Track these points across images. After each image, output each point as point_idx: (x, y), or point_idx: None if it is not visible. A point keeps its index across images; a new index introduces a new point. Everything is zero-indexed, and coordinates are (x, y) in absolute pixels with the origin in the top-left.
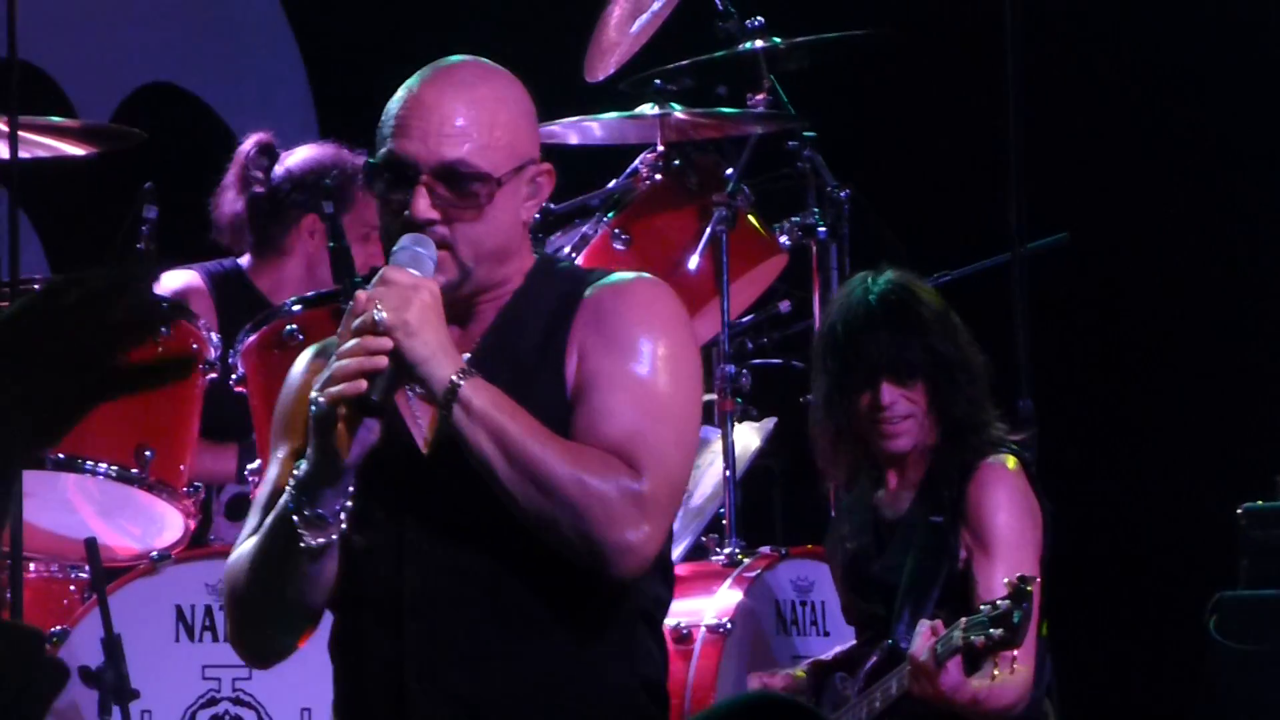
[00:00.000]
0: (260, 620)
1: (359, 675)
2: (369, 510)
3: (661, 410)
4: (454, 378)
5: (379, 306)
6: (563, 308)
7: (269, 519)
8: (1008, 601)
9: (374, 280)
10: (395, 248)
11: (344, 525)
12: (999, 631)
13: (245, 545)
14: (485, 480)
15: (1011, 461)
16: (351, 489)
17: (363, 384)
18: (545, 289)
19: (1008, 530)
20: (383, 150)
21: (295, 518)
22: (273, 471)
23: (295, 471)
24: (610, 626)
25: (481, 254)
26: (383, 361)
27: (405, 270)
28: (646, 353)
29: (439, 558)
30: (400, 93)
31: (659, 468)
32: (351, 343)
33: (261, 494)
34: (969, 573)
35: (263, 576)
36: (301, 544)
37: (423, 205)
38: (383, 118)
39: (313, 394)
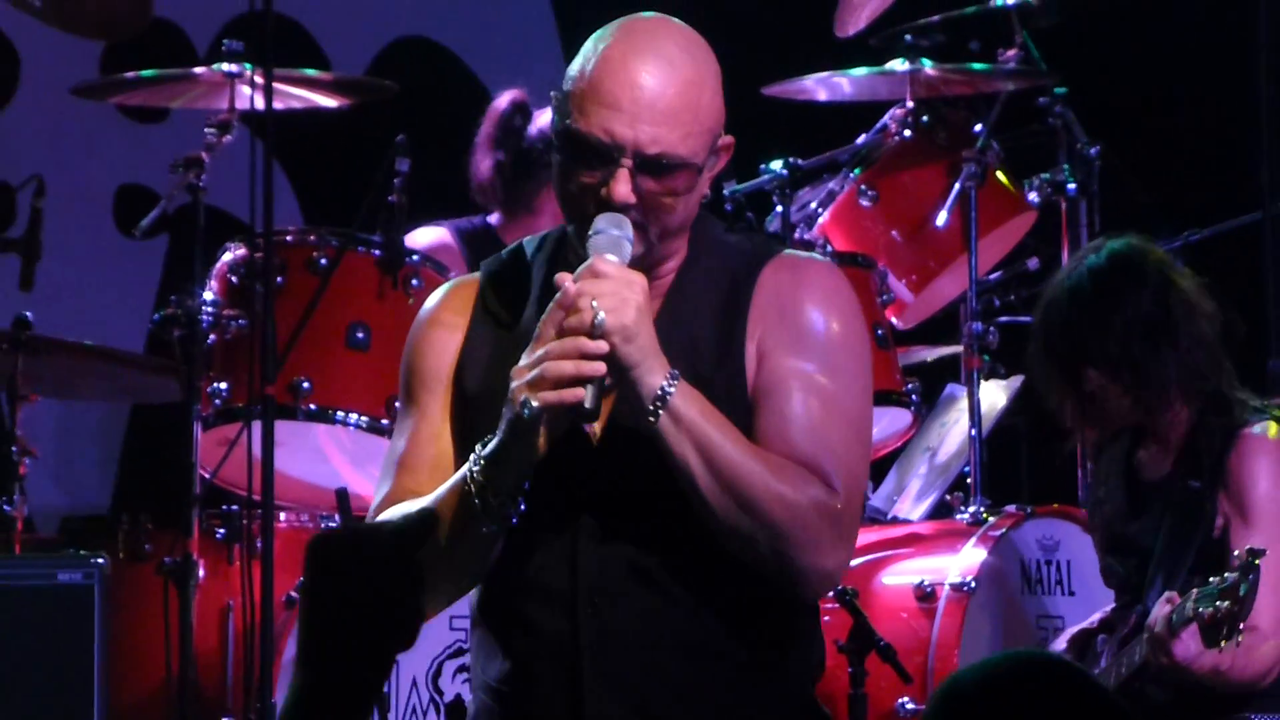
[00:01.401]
0: None
1: (527, 656)
2: (538, 497)
3: (851, 420)
4: (665, 385)
5: (596, 306)
6: (736, 290)
7: (443, 494)
8: (1235, 574)
9: (581, 270)
10: (593, 230)
11: (523, 509)
12: (1226, 604)
13: (405, 511)
14: (683, 485)
15: (1274, 429)
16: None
17: (582, 393)
18: (712, 264)
19: (1268, 501)
20: (581, 119)
21: (478, 501)
22: (411, 424)
23: (480, 453)
24: (783, 625)
25: (668, 234)
26: (601, 368)
27: (613, 261)
28: (833, 354)
29: (614, 550)
30: (600, 54)
31: (852, 483)
32: (565, 343)
33: (398, 448)
34: (1225, 540)
35: (430, 550)
36: (484, 529)
37: (624, 190)
38: (578, 77)
39: (519, 393)
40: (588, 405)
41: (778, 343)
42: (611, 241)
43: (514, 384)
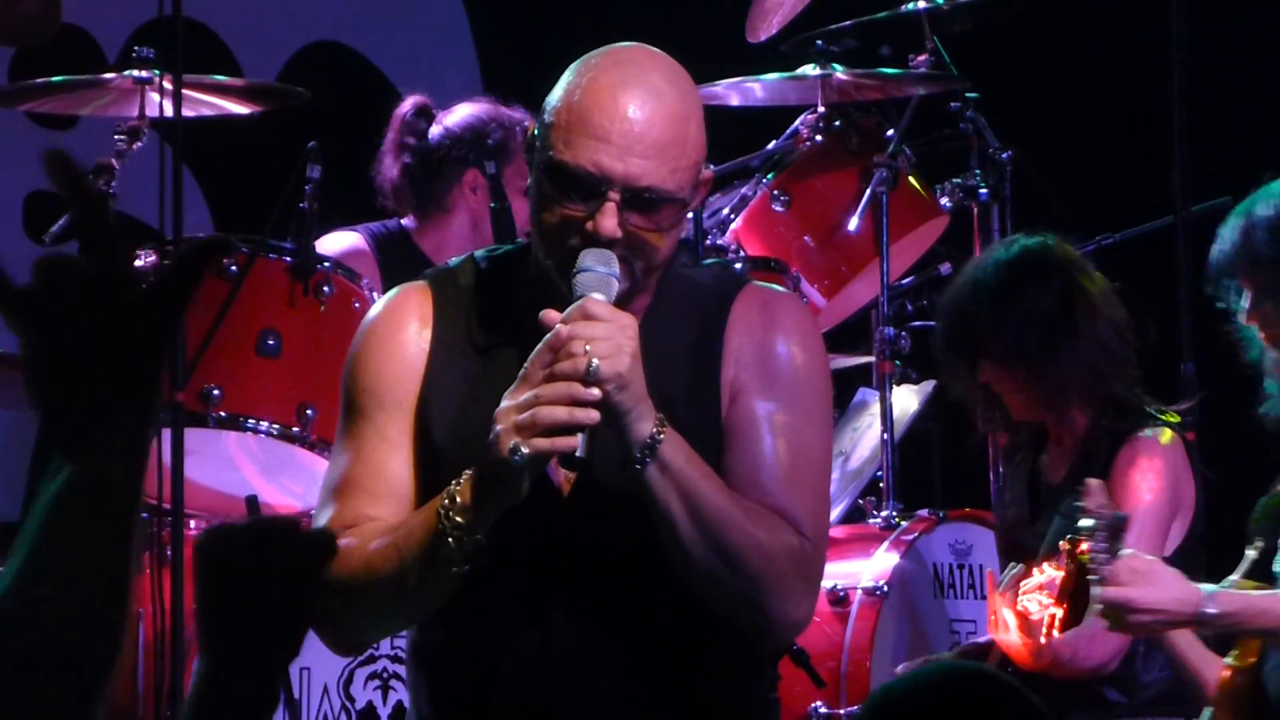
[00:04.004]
0: (370, 619)
1: (497, 712)
2: (504, 543)
3: (819, 465)
4: (655, 432)
5: (589, 352)
6: (707, 329)
7: (412, 530)
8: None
9: (571, 311)
10: (581, 266)
11: (488, 550)
12: (1050, 603)
13: (364, 543)
14: (663, 533)
15: (1166, 435)
16: None
17: (576, 441)
18: (679, 301)
19: (1140, 506)
20: (567, 151)
21: (451, 541)
22: (366, 445)
23: (455, 492)
24: (752, 673)
25: (650, 270)
26: (596, 416)
27: (605, 304)
28: (803, 396)
29: (585, 606)
30: (585, 85)
31: (820, 529)
32: (558, 388)
33: (350, 469)
34: None
35: (393, 582)
36: (454, 568)
37: (612, 224)
38: (561, 108)
39: (507, 437)
40: (580, 454)
41: (750, 383)
42: (599, 280)
43: (499, 426)
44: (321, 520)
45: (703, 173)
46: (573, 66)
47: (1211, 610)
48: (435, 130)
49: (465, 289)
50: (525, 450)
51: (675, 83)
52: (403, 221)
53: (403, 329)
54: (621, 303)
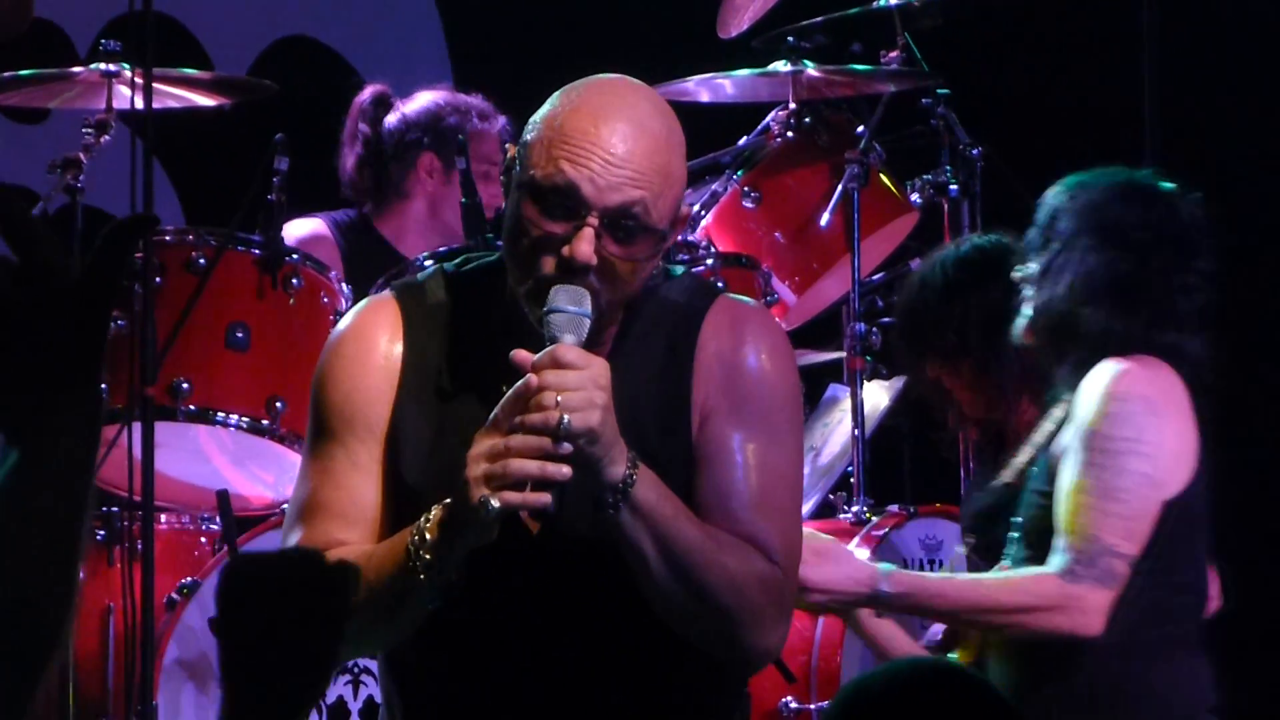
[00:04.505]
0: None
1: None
2: (474, 579)
3: (789, 486)
4: (627, 475)
5: (561, 404)
6: (676, 354)
7: (382, 562)
8: None
9: (542, 357)
10: (552, 305)
11: (459, 584)
12: None
13: (346, 566)
14: (635, 570)
15: None
16: None
17: (547, 498)
18: (648, 326)
19: None
20: (547, 170)
21: (424, 578)
22: (336, 468)
23: (423, 528)
24: (724, 674)
25: (619, 301)
26: (567, 472)
27: (574, 346)
28: (773, 416)
29: (557, 642)
30: (569, 108)
31: (791, 554)
32: (529, 442)
33: (319, 491)
34: None
35: (362, 611)
36: (426, 604)
37: (587, 250)
38: (544, 127)
39: (477, 488)
40: (551, 510)
41: (720, 405)
42: (571, 321)
43: (469, 473)
44: (291, 542)
45: (681, 208)
46: (556, 94)
47: (886, 589)
48: (393, 117)
49: (435, 307)
50: (495, 504)
51: (659, 115)
52: (364, 209)
53: (372, 350)
54: (590, 338)
